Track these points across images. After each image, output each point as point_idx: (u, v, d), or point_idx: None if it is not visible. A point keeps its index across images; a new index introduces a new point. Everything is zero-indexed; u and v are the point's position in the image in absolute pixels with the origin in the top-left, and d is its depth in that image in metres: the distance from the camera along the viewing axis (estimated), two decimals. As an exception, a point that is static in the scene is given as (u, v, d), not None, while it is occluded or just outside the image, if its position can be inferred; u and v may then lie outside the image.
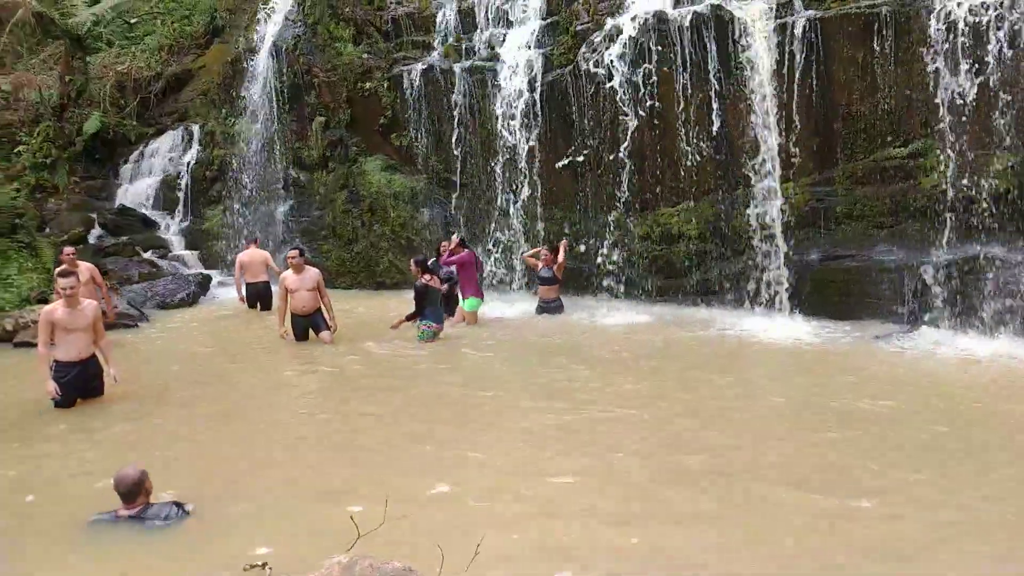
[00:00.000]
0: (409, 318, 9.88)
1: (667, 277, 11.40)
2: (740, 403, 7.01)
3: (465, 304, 10.87)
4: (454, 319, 10.79)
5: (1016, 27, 8.62)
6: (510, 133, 12.47)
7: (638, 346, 9.35)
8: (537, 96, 12.18)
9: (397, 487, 5.14)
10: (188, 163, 16.52)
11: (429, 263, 10.55)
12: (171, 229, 16.35)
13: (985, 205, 8.96)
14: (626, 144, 11.31)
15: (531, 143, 12.30)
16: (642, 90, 11.11)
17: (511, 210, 12.61)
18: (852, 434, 6.06)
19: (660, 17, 10.94)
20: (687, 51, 10.69)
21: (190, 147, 16.86)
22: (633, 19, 11.19)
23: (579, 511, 4.86)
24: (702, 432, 6.27)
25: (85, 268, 10.25)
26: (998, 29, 8.71)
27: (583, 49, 11.67)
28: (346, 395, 7.91)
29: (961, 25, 8.89)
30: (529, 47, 12.64)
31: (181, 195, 16.36)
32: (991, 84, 8.79)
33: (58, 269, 8.23)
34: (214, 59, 17.42)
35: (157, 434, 6.67)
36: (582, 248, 11.94)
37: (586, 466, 5.59)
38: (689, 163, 10.98)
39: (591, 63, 11.49)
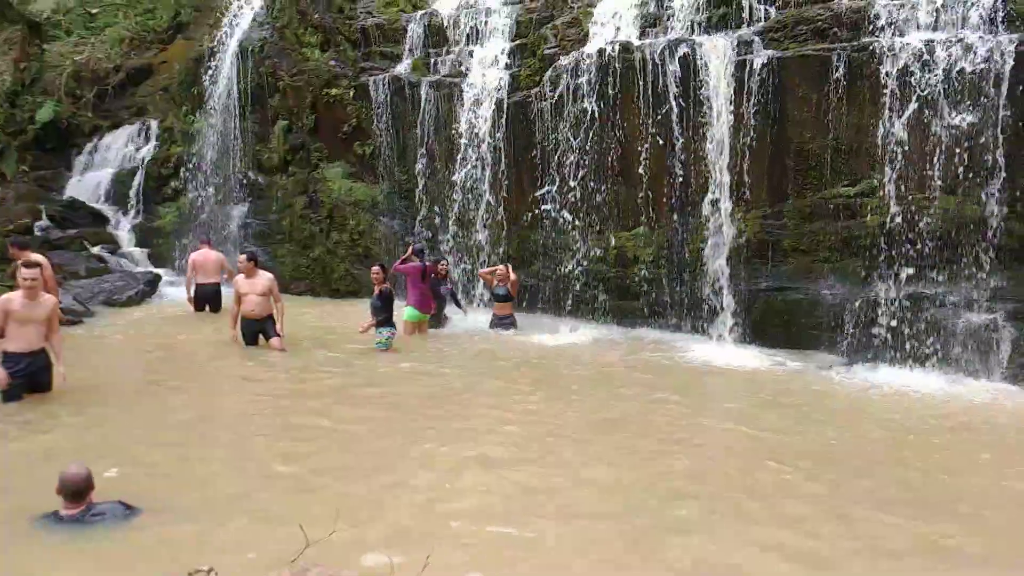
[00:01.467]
0: (378, 324, 9.90)
1: (620, 299, 11.62)
2: (686, 426, 7.19)
3: (404, 313, 10.89)
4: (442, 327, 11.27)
5: (953, 75, 9.09)
6: (474, 148, 12.60)
7: (587, 366, 9.51)
8: (503, 115, 12.34)
9: (347, 497, 5.17)
10: (143, 159, 16.28)
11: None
12: (121, 225, 16.05)
13: (924, 245, 9.38)
14: (586, 167, 11.54)
15: (494, 160, 12.44)
16: (605, 116, 11.36)
17: (472, 227, 12.71)
18: (784, 461, 6.30)
19: (626, 47, 11.23)
20: (650, 80, 10.98)
21: (147, 143, 16.62)
22: (599, 48, 11.45)
23: (531, 527, 4.96)
24: (647, 451, 6.43)
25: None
26: (942, 78, 9.18)
27: (549, 73, 11.88)
28: (296, 403, 7.88)
29: (908, 72, 9.34)
30: (497, 65, 12.80)
31: (134, 191, 16.09)
32: (932, 129, 9.24)
33: (22, 259, 8.16)
34: (176, 55, 17.22)
35: (103, 434, 6.58)
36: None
37: (531, 483, 5.70)
38: (647, 189, 11.24)
39: (557, 87, 11.71)
